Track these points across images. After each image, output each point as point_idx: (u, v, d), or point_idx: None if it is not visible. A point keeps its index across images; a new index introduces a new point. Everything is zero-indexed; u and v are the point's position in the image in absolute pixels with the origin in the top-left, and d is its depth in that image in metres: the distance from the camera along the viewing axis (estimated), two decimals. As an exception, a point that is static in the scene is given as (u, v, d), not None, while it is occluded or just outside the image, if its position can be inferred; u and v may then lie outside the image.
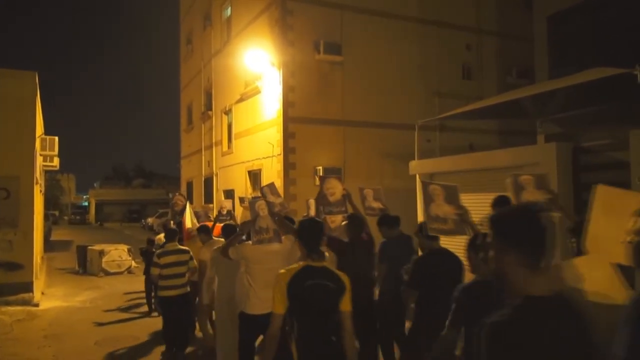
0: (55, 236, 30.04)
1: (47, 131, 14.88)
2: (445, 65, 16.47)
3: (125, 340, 7.61)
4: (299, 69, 14.10)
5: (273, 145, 14.30)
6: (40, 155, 12.92)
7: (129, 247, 15.77)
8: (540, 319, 1.68)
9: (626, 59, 9.11)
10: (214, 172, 19.28)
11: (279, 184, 14.03)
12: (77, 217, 52.20)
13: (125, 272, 15.02)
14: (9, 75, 10.52)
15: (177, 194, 9.88)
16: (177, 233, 6.85)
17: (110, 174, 72.03)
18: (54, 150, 12.88)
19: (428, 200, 4.49)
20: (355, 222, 5.12)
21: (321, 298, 3.05)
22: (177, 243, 6.62)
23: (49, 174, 35.56)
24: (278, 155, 14.13)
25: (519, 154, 9.75)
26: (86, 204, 62.69)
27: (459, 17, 16.85)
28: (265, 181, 15.01)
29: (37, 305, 9.98)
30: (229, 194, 17.10)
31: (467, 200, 11.42)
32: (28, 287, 10.20)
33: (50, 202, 47.58)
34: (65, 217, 54.97)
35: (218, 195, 18.64)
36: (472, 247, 3.19)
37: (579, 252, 3.39)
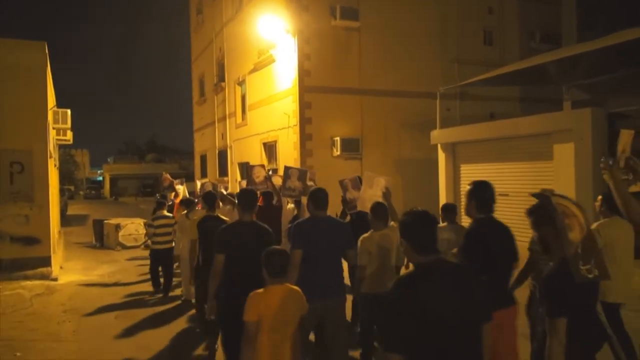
0: (71, 211, 30.23)
1: (58, 106, 14.68)
2: (466, 30, 15.83)
3: (146, 313, 7.48)
4: (314, 36, 13.62)
5: (289, 116, 13.94)
6: (53, 128, 12.71)
7: (145, 220, 15.65)
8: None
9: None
10: (228, 144, 19.01)
11: (295, 155, 13.77)
12: (92, 192, 52.61)
13: (142, 246, 14.94)
14: (18, 45, 10.22)
15: (164, 173, 12.12)
16: (165, 204, 8.99)
17: (123, 149, 72.30)
18: (66, 123, 12.63)
19: (286, 177, 7.55)
20: (268, 193, 7.63)
21: (212, 231, 4.59)
22: (165, 211, 8.73)
23: (63, 149, 35.66)
24: (294, 126, 13.78)
25: (549, 120, 9.31)
26: (100, 178, 63.16)
27: (480, -22, 16.11)
28: (281, 153, 14.74)
29: (55, 279, 9.91)
30: (244, 168, 16.86)
31: (491, 170, 11.07)
32: (46, 262, 10.12)
33: (65, 177, 47.92)
34: (81, 192, 55.43)
35: (233, 168, 18.43)
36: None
37: None
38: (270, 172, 9.54)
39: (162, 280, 8.66)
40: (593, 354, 2.65)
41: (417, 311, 2.19)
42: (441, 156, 12.17)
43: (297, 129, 13.59)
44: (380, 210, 4.74)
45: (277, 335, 3.13)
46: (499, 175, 10.72)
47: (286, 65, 14.11)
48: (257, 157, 16.16)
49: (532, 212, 2.79)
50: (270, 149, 15.70)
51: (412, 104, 14.66)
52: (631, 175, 3.41)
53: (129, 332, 6.65)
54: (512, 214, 10.01)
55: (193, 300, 7.43)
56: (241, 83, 17.79)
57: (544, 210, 2.67)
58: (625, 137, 3.54)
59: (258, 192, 7.37)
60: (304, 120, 13.52)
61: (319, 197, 4.14)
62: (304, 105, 13.50)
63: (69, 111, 12.69)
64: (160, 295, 8.46)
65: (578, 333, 2.47)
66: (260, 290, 3.18)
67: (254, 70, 16.30)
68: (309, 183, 7.78)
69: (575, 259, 2.49)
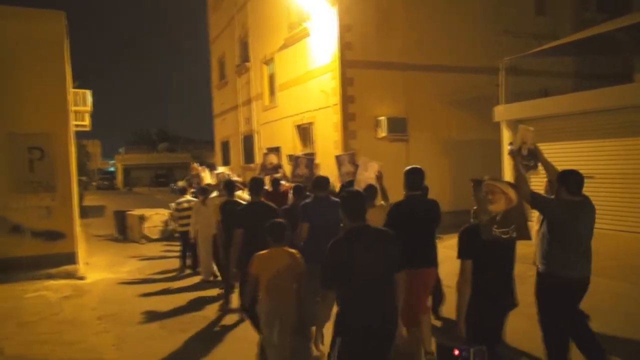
0: (87, 202, 29.32)
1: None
2: (517, -1, 14.41)
3: (193, 320, 6.40)
4: (356, 5, 12.30)
5: (328, 95, 12.69)
6: (72, 111, 11.58)
7: (170, 211, 14.59)
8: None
9: None
10: (255, 129, 17.79)
11: (336, 137, 12.55)
12: (106, 183, 51.97)
13: (167, 239, 13.89)
14: (34, 15, 9.05)
15: (192, 163, 12.78)
16: (187, 190, 10.17)
17: (134, 139, 71.32)
18: (86, 105, 11.49)
19: (295, 166, 8.23)
20: (276, 180, 8.35)
21: (232, 213, 5.55)
22: (188, 196, 9.71)
23: (76, 139, 34.56)
24: (334, 105, 12.52)
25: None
26: (112, 169, 62.38)
27: (533, -60, 14.66)
28: (319, 135, 13.52)
29: (83, 278, 8.86)
30: (274, 153, 15.66)
31: (569, 149, 9.77)
32: (72, 258, 9.07)
33: (78, 168, 47.12)
34: (94, 183, 54.71)
35: (260, 154, 17.22)
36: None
37: None
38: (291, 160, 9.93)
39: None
40: (499, 302, 3.49)
41: (344, 261, 3.07)
42: (506, 135, 10.90)
43: (338, 108, 12.32)
44: (371, 191, 5.59)
45: (275, 284, 4.02)
46: (579, 155, 9.46)
47: (324, 39, 12.82)
48: (289, 141, 14.95)
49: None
50: (304, 131, 14.44)
51: (461, 79, 13.37)
52: (532, 162, 4.40)
53: (179, 344, 5.56)
54: (599, 198, 8.77)
55: (211, 278, 8.35)
56: (268, 62, 16.51)
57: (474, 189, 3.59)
58: (523, 132, 4.47)
59: (268, 178, 8.62)
60: (346, 99, 12.24)
61: (318, 182, 5.37)
62: (346, 82, 12.22)
63: (89, 92, 11.53)
64: (189, 271, 9.32)
65: (486, 284, 3.36)
66: (264, 251, 4.10)
67: (284, 46, 15.00)
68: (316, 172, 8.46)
69: (488, 222, 3.30)
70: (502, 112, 10.96)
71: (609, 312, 5.75)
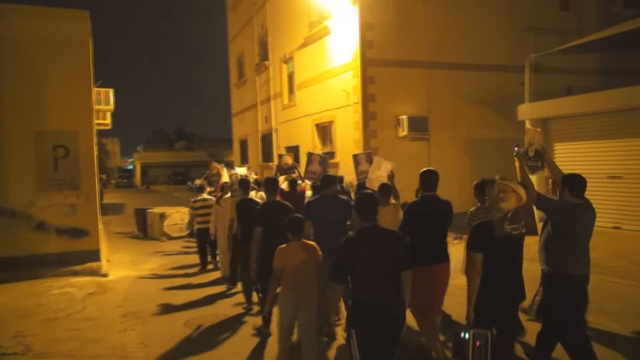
0: (106, 199, 29.67)
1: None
2: (541, -6, 14.17)
3: (216, 318, 6.41)
4: (377, 3, 12.20)
5: (348, 93, 12.61)
6: (95, 109, 11.70)
7: (189, 209, 14.66)
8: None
9: None
10: (274, 127, 17.79)
11: (356, 136, 12.48)
12: (124, 181, 52.72)
13: (188, 236, 13.96)
14: (60, 15, 9.15)
15: (212, 162, 12.57)
16: (204, 188, 10.11)
17: (151, 137, 72.11)
18: (109, 104, 11.59)
19: (308, 163, 8.34)
20: (293, 181, 8.52)
21: (248, 211, 5.97)
22: (205, 194, 9.72)
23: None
24: (355, 104, 12.44)
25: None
26: (131, 167, 63.13)
27: None
28: (338, 134, 13.46)
29: (106, 275, 8.93)
30: (293, 151, 15.64)
31: (596, 149, 9.53)
32: (95, 256, 9.15)
33: (98, 166, 47.85)
34: (113, 181, 55.52)
35: (279, 153, 17.23)
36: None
37: None
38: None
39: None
40: (506, 297, 3.75)
41: (353, 258, 3.38)
42: (529, 134, 10.68)
43: (359, 107, 12.24)
44: (385, 190, 5.83)
45: (297, 275, 4.24)
46: (606, 155, 9.23)
47: (344, 37, 12.75)
48: (308, 139, 14.91)
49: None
50: (324, 130, 14.39)
51: (482, 77, 13.19)
52: (539, 162, 4.67)
53: (203, 342, 5.56)
54: (627, 198, 8.58)
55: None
56: (288, 60, 16.49)
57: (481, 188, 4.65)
58: (531, 133, 4.80)
59: (283, 178, 8.76)
60: (367, 97, 12.15)
61: (324, 180, 5.72)
62: (367, 81, 12.13)
63: (111, 91, 11.63)
64: (211, 266, 9.50)
65: (495, 276, 3.66)
66: (284, 245, 4.34)
67: (304, 45, 14.96)
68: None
69: (500, 219, 3.57)
70: (526, 110, 10.77)
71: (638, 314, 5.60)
